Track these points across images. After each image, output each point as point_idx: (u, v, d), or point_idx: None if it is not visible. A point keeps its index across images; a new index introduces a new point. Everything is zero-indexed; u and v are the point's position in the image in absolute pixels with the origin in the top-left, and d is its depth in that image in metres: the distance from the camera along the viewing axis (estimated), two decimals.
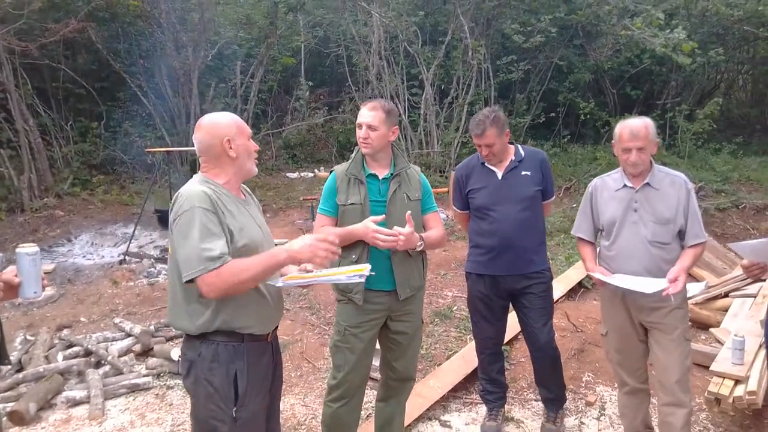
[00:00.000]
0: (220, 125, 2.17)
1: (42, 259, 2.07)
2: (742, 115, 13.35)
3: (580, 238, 3.08)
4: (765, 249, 2.52)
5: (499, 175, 3.20)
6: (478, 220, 3.29)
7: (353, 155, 2.77)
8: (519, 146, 3.29)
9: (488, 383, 3.49)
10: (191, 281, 1.97)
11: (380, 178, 2.71)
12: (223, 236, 2.02)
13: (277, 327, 2.35)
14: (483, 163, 3.25)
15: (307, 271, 2.21)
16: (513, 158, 3.22)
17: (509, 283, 3.22)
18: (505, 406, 3.61)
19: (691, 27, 10.46)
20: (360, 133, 2.67)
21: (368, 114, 2.66)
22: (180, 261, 1.99)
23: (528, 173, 3.19)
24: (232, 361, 2.10)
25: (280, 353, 2.42)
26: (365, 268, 2.22)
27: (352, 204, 2.65)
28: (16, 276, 1.90)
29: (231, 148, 2.15)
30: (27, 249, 1.91)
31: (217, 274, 1.93)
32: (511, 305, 3.41)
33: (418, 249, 2.63)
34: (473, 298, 3.38)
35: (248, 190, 2.40)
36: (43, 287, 1.96)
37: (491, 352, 3.46)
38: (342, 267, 2.44)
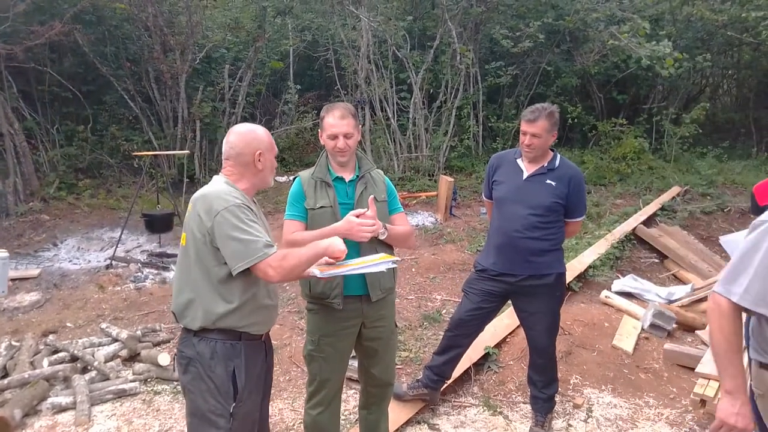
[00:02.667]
0: (257, 137, 2.31)
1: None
2: (727, 119, 13.51)
3: (749, 312, 1.91)
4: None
5: (524, 176, 3.21)
6: (494, 213, 3.35)
7: (319, 159, 2.74)
8: (559, 156, 3.25)
9: (433, 364, 3.56)
10: (244, 270, 2.09)
11: (347, 180, 2.69)
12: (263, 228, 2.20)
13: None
14: (516, 159, 3.27)
15: (328, 264, 2.38)
16: (545, 164, 3.20)
17: (509, 281, 3.24)
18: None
19: (676, 32, 10.59)
20: (338, 144, 2.60)
21: (341, 123, 2.59)
22: (233, 253, 2.09)
23: (553, 183, 3.16)
24: (230, 358, 2.19)
25: (272, 354, 2.49)
26: (393, 257, 2.47)
27: (321, 207, 2.61)
28: None
29: (260, 161, 2.29)
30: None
31: (283, 257, 2.09)
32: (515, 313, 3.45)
33: (381, 237, 2.60)
34: (470, 279, 3.44)
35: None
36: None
37: (454, 335, 3.47)
38: (368, 256, 2.51)
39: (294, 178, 2.76)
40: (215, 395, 2.15)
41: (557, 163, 3.21)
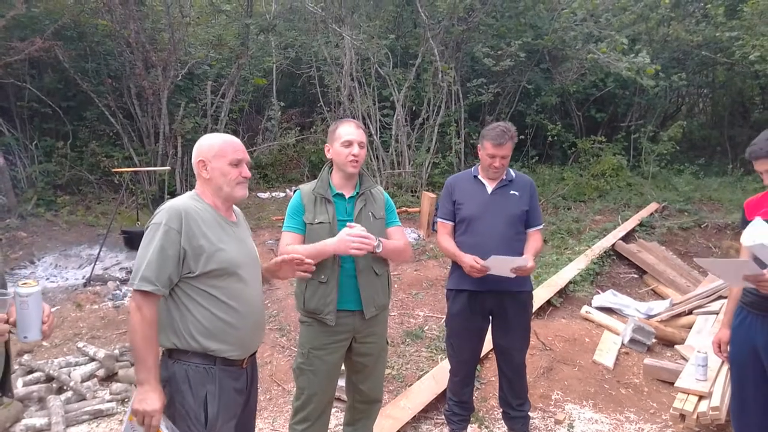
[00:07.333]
0: (201, 146, 2.22)
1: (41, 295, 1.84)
2: (703, 137, 13.79)
3: None
4: (730, 268, 2.61)
5: (489, 190, 3.22)
6: (461, 234, 3.26)
7: (320, 174, 2.76)
8: (509, 168, 3.30)
9: (456, 405, 3.46)
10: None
11: (347, 197, 2.71)
12: (177, 263, 2.05)
13: (254, 353, 2.36)
14: (476, 176, 3.28)
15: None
16: (504, 177, 3.25)
17: (490, 300, 3.20)
18: (472, 426, 3.61)
19: (653, 52, 10.83)
20: (352, 151, 2.63)
21: (357, 132, 2.67)
22: (134, 267, 2.06)
23: (517, 194, 3.21)
24: (202, 384, 2.09)
25: (256, 379, 2.42)
26: None
27: (320, 223, 2.63)
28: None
29: (206, 169, 2.19)
30: (21, 289, 1.75)
31: (140, 303, 2.00)
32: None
33: (377, 251, 2.61)
34: (453, 316, 3.30)
35: (239, 212, 2.42)
36: (44, 332, 1.80)
37: (465, 374, 3.41)
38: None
39: (295, 191, 2.78)
40: (187, 422, 2.07)
41: (513, 174, 3.30)
